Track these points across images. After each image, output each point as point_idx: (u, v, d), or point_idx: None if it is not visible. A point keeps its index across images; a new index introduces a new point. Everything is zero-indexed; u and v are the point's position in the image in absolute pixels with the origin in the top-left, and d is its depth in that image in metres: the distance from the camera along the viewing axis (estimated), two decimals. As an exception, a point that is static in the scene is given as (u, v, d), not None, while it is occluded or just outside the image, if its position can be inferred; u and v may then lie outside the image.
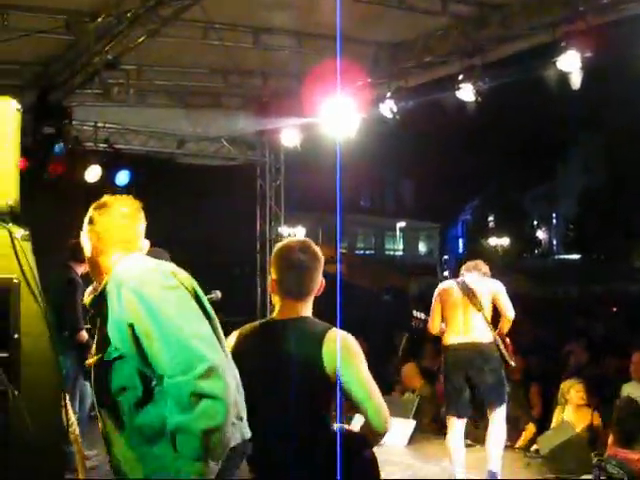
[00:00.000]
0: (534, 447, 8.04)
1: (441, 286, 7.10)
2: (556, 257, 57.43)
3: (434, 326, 6.97)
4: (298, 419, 3.01)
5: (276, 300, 3.26)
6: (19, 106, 2.96)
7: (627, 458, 7.18)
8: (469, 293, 6.76)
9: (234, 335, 3.21)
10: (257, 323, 3.31)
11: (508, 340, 6.85)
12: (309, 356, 3.04)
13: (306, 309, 3.22)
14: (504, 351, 6.71)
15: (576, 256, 53.77)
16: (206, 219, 11.01)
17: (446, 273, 57.33)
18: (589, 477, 7.10)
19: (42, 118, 8.83)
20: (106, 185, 10.10)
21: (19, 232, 2.78)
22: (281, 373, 3.03)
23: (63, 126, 9.08)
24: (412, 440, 8.65)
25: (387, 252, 56.75)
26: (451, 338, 6.78)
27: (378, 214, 55.05)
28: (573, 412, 8.07)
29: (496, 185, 56.44)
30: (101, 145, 10.46)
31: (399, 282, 31.88)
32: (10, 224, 2.80)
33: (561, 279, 31.78)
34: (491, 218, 60.21)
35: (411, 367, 9.91)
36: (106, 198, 3.01)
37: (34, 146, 8.82)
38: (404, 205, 60.31)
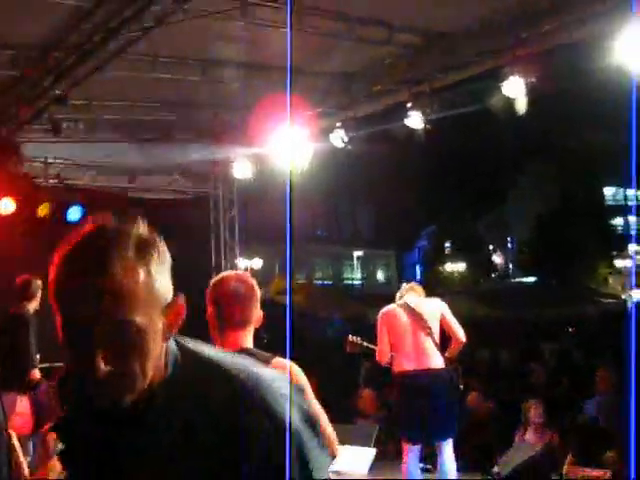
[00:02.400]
0: (495, 469, 8.05)
1: (384, 310, 6.85)
2: (512, 280, 57.98)
3: (383, 354, 6.71)
4: None
5: (216, 334, 3.25)
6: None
7: (585, 477, 7.24)
8: (416, 316, 6.59)
9: None
10: None
11: (457, 364, 6.73)
12: None
13: (247, 340, 3.24)
14: (455, 376, 6.61)
15: (531, 279, 54.34)
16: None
17: (404, 300, 57.64)
18: (550, 497, 7.15)
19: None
20: (58, 221, 10.00)
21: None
22: None
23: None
24: (373, 467, 8.60)
25: (345, 281, 56.78)
26: (403, 364, 6.60)
27: (335, 243, 55.13)
28: (533, 432, 8.12)
29: (450, 212, 56.92)
30: (52, 181, 10.35)
31: (358, 310, 31.89)
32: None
33: (517, 302, 32.05)
34: (447, 244, 60.63)
35: (368, 394, 9.90)
36: None
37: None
38: (360, 234, 60.50)
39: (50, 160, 10.38)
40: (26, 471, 4.11)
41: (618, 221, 58.83)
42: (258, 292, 3.30)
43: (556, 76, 7.92)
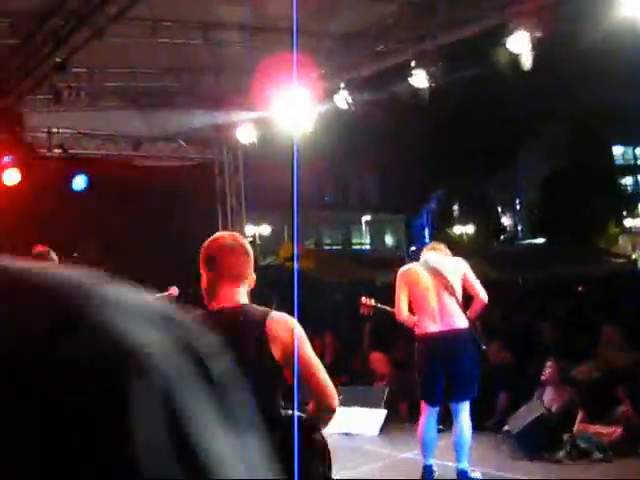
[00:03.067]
0: (505, 427, 8.06)
1: (404, 269, 6.67)
2: (521, 242, 57.87)
3: (402, 312, 6.54)
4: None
5: (209, 291, 3.22)
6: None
7: (596, 432, 7.25)
8: (438, 275, 6.41)
9: None
10: (194, 314, 3.21)
11: (479, 323, 6.62)
12: (254, 344, 3.04)
13: (241, 296, 3.18)
14: (478, 336, 6.51)
15: (541, 240, 54.21)
16: (167, 220, 10.89)
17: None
18: (561, 453, 7.15)
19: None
20: (63, 191, 9.98)
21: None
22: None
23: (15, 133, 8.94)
24: (384, 429, 8.63)
25: (354, 246, 56.77)
26: (426, 326, 6.42)
27: (343, 209, 55.06)
28: (551, 391, 8.07)
29: (458, 174, 56.70)
30: (56, 151, 10.30)
31: (367, 275, 31.86)
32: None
33: (527, 263, 31.93)
34: (456, 207, 60.47)
35: (379, 356, 9.89)
36: None
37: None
38: (368, 198, 60.36)
39: (54, 130, 10.31)
40: None
41: (628, 180, 58.53)
42: (251, 252, 3.27)
43: (570, 37, 7.79)
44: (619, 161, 58.52)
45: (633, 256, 47.83)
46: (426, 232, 63.69)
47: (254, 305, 3.21)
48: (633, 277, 28.72)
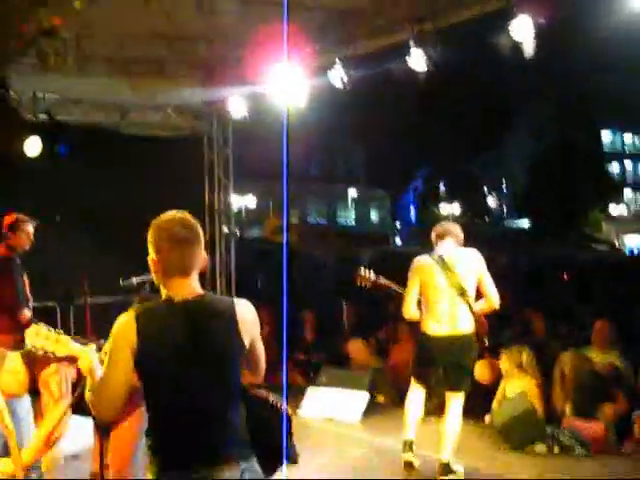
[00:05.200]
0: (487, 418, 7.99)
1: (418, 263, 6.40)
2: (506, 224, 58.01)
3: (409, 308, 6.41)
4: (223, 395, 3.04)
5: (160, 279, 3.11)
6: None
7: (581, 428, 7.19)
8: (453, 276, 6.21)
9: (129, 318, 2.97)
10: (157, 305, 3.10)
11: (484, 320, 6.53)
12: (227, 332, 3.07)
13: (197, 284, 3.12)
14: (483, 335, 6.44)
15: (526, 223, 54.35)
16: (152, 190, 10.70)
17: (398, 240, 57.78)
18: (543, 447, 7.09)
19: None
20: (47, 158, 9.76)
21: None
22: (202, 353, 3.00)
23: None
24: (366, 414, 8.53)
25: (339, 221, 56.70)
26: (433, 326, 6.31)
27: (329, 183, 54.90)
28: (516, 381, 7.99)
29: (446, 153, 56.59)
30: (41, 116, 10.05)
31: (352, 251, 31.78)
32: None
33: (511, 246, 32.02)
34: (442, 185, 60.42)
35: (358, 344, 9.70)
36: None
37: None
38: (355, 173, 60.21)
39: (39, 95, 10.04)
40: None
41: (614, 167, 58.64)
42: (202, 235, 3.14)
43: (563, 18, 7.63)
44: (607, 147, 58.57)
45: (616, 243, 48.17)
46: (412, 210, 63.73)
47: (215, 295, 3.29)
48: (616, 263, 28.87)
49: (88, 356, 3.17)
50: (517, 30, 7.04)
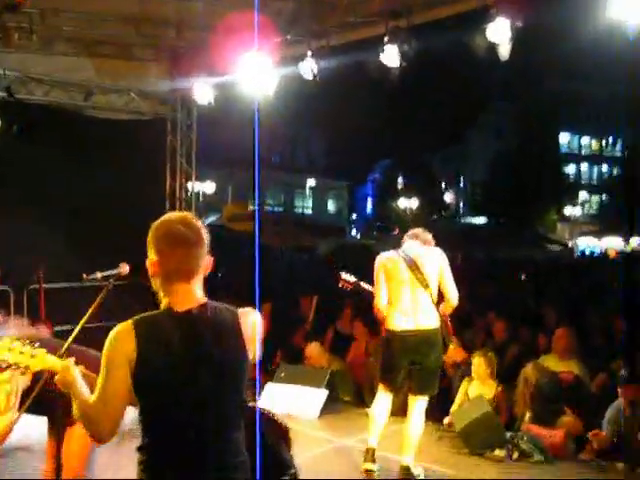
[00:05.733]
0: (446, 420, 7.97)
1: (384, 257, 6.44)
2: (462, 220, 58.44)
3: (380, 302, 6.38)
4: (224, 412, 2.85)
5: (161, 284, 2.89)
6: None
7: (539, 434, 7.20)
8: (415, 269, 6.23)
9: (127, 327, 2.78)
10: (157, 315, 2.88)
11: (449, 321, 6.50)
12: (231, 346, 2.87)
13: (200, 291, 2.91)
14: (446, 334, 6.40)
15: (482, 220, 54.78)
16: (114, 175, 10.48)
17: (354, 233, 57.89)
18: (502, 452, 7.08)
19: None
20: (5, 137, 9.49)
21: None
22: (204, 369, 2.80)
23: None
24: (323, 412, 8.46)
25: (296, 210, 56.57)
26: (397, 321, 6.29)
27: (288, 171, 54.72)
28: (479, 384, 8.01)
29: (406, 146, 56.76)
30: (1, 94, 9.75)
31: (309, 241, 31.69)
32: None
33: (468, 243, 32.19)
34: (400, 179, 60.60)
35: (315, 347, 9.58)
36: None
37: None
38: (314, 163, 60.13)
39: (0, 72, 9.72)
40: None
41: (571, 169, 59.38)
42: (206, 236, 2.92)
43: (540, 22, 7.60)
44: (564, 149, 59.27)
45: (569, 244, 48.77)
46: (369, 202, 63.87)
47: (217, 303, 2.94)
48: (569, 264, 29.23)
49: (69, 370, 2.90)
50: (494, 32, 6.98)
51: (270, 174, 48.03)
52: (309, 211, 57.97)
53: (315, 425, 8.17)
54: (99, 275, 4.30)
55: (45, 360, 2.93)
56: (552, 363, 7.97)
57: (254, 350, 2.93)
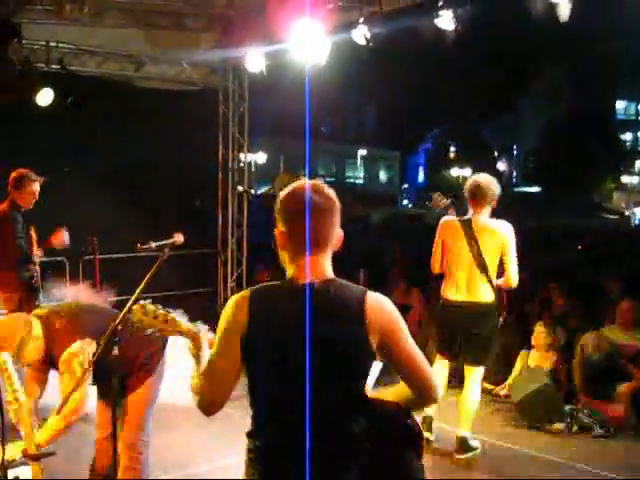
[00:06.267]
0: (503, 392, 7.86)
1: (446, 220, 6.34)
2: (516, 189, 57.67)
3: (435, 265, 6.34)
4: (339, 401, 2.59)
5: (288, 257, 2.69)
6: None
7: (599, 408, 7.06)
8: (474, 245, 6.06)
9: (242, 298, 2.64)
10: (274, 287, 2.70)
11: (504, 294, 6.36)
12: (350, 330, 2.59)
13: (328, 266, 2.69)
14: (501, 307, 6.29)
15: (536, 189, 54.00)
16: (165, 144, 10.50)
17: (406, 202, 57.57)
18: (561, 426, 6.96)
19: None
20: (59, 109, 9.53)
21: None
22: (318, 350, 2.54)
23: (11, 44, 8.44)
24: (378, 383, 8.39)
25: (347, 180, 56.37)
26: (452, 293, 6.22)
27: (339, 141, 54.50)
28: (538, 355, 7.88)
29: (459, 115, 56.09)
30: (54, 67, 9.77)
31: (361, 211, 31.61)
32: None
33: (521, 212, 31.74)
34: (452, 148, 59.96)
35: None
36: None
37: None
38: (365, 132, 59.83)
39: (52, 44, 9.72)
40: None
41: (627, 136, 57.99)
42: (338, 205, 2.71)
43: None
44: (621, 115, 57.91)
45: (626, 213, 47.84)
46: (421, 171, 63.37)
47: (345, 282, 2.69)
48: (627, 234, 28.68)
49: (200, 338, 2.84)
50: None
51: (320, 144, 47.87)
52: (360, 181, 57.74)
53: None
54: (153, 245, 4.26)
55: (178, 324, 2.90)
56: (615, 335, 7.78)
57: (377, 339, 2.59)
